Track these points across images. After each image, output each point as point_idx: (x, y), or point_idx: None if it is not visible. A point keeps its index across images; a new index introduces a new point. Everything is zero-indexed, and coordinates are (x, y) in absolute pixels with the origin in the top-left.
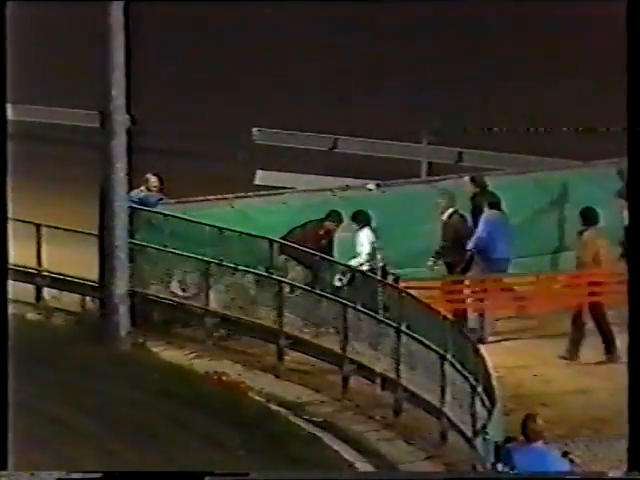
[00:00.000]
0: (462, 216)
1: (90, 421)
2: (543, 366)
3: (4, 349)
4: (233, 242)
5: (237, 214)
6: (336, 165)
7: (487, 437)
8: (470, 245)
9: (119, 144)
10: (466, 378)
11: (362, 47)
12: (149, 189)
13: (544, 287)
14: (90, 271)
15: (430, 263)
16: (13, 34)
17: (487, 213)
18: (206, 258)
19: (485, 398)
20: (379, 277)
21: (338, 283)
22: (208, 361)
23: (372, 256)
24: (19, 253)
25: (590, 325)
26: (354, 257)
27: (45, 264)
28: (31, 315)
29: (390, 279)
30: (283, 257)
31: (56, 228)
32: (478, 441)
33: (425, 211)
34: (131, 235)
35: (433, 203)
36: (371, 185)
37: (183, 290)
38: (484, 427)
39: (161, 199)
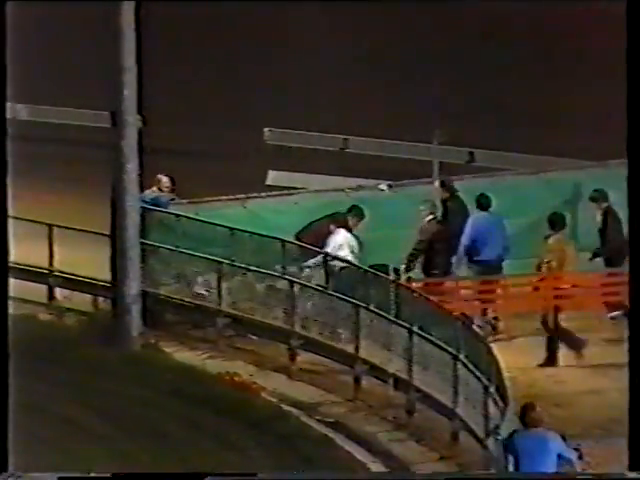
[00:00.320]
0: (441, 222)
1: (102, 421)
2: (556, 366)
3: (4, 349)
4: (245, 242)
5: (249, 214)
6: (347, 165)
7: (499, 438)
8: (460, 249)
9: (130, 144)
10: (479, 378)
11: (373, 47)
12: (161, 189)
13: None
14: (102, 271)
15: (402, 267)
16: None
17: (475, 215)
18: (218, 258)
19: (498, 398)
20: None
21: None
22: (221, 361)
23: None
24: (31, 253)
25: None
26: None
27: (57, 264)
28: (43, 315)
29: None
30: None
31: (68, 228)
32: (490, 442)
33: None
34: (143, 235)
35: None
36: (383, 185)
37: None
38: (496, 428)
39: (172, 199)
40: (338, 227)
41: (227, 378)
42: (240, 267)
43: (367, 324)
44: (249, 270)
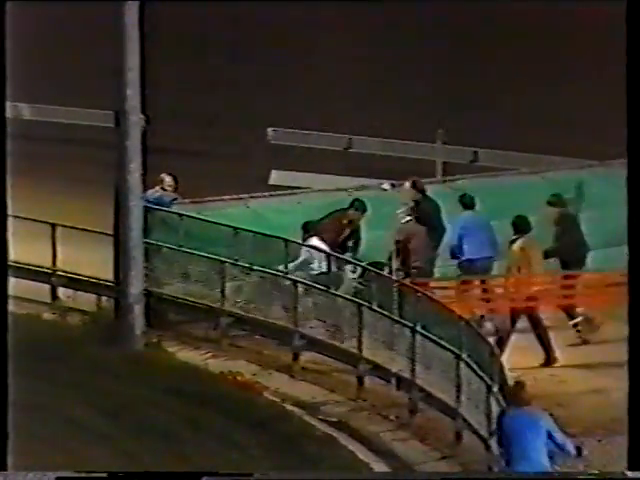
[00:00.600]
0: (416, 222)
1: (104, 420)
2: (558, 366)
3: (4, 349)
4: (248, 242)
5: (252, 214)
6: (351, 165)
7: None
8: (443, 248)
9: (134, 144)
10: (481, 378)
11: (377, 46)
12: (164, 189)
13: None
14: (105, 271)
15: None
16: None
17: (463, 214)
18: (221, 258)
19: (500, 398)
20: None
21: (351, 275)
22: (223, 361)
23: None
24: (34, 253)
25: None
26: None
27: (60, 264)
28: (47, 315)
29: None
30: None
31: (71, 228)
32: (493, 441)
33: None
34: (146, 235)
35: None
36: (386, 185)
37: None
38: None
39: (175, 199)
40: (310, 236)
41: (230, 377)
42: (243, 267)
43: (370, 323)
44: (252, 270)
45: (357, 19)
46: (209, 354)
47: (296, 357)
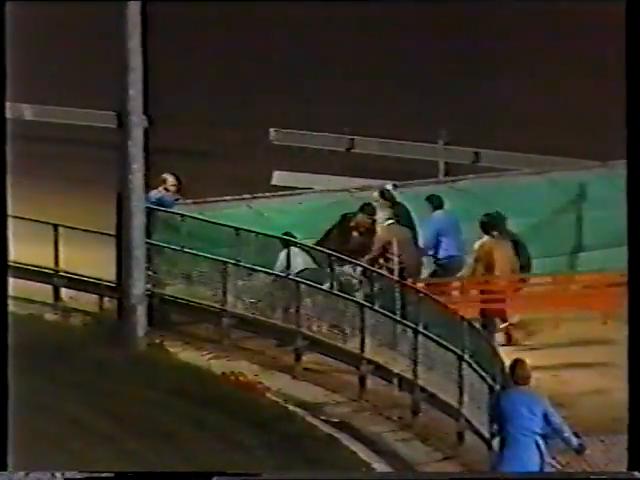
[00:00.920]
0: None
1: (107, 421)
2: (561, 366)
3: (4, 349)
4: (250, 242)
5: (254, 214)
6: (353, 165)
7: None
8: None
9: (136, 144)
10: (484, 378)
11: (378, 46)
12: (167, 189)
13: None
14: (107, 271)
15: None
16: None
17: (435, 214)
18: (223, 258)
19: None
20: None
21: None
22: (225, 361)
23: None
24: (37, 254)
25: None
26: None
27: (63, 264)
28: (49, 315)
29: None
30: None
31: (73, 228)
32: (495, 442)
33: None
34: (148, 235)
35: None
36: (388, 185)
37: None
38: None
39: (177, 199)
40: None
41: (232, 378)
42: (245, 267)
43: (372, 324)
44: (254, 270)
45: (358, 19)
46: (211, 354)
47: (298, 358)
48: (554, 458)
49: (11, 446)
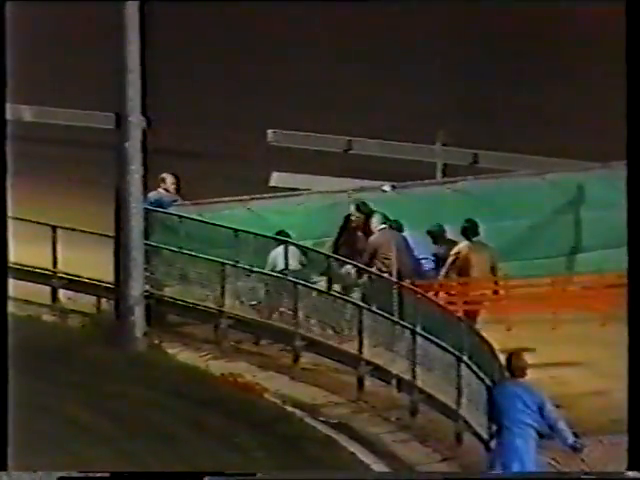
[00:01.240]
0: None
1: (105, 422)
2: (560, 367)
3: (4, 349)
4: (249, 244)
5: (252, 216)
6: (351, 167)
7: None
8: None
9: (134, 146)
10: (482, 379)
11: (377, 47)
12: (167, 189)
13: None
14: (105, 273)
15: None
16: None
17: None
18: (221, 259)
19: None
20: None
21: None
22: (224, 362)
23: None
24: (35, 255)
25: None
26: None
27: (61, 266)
28: (47, 316)
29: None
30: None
31: (72, 230)
32: (494, 443)
33: (440, 212)
34: (146, 237)
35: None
36: (386, 187)
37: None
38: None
39: (175, 200)
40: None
41: (230, 379)
42: (244, 268)
43: (370, 325)
44: (253, 271)
45: (357, 19)
46: (209, 356)
47: (296, 358)
48: (553, 458)
49: (11, 446)
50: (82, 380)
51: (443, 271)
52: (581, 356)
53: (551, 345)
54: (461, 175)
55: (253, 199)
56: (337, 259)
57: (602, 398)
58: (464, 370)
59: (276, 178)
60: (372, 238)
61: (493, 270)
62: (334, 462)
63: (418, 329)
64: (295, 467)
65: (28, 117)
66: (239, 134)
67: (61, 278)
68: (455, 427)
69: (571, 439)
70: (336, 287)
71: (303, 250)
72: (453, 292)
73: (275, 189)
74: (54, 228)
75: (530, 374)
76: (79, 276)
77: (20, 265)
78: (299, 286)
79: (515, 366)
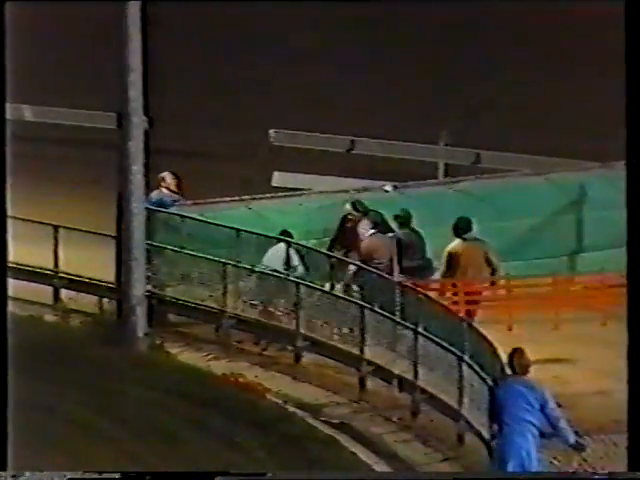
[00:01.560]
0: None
1: (107, 422)
2: (562, 367)
3: (4, 349)
4: (250, 244)
5: (254, 215)
6: (353, 166)
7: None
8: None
9: (136, 145)
10: (484, 379)
11: (378, 47)
12: (168, 188)
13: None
14: (107, 273)
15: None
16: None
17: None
18: (223, 259)
19: None
20: None
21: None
22: (226, 362)
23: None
24: (37, 255)
25: None
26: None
27: (62, 266)
28: (49, 316)
29: None
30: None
31: (73, 230)
32: (495, 443)
33: (442, 212)
34: (148, 236)
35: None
36: (388, 187)
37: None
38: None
39: (176, 200)
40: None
41: (232, 379)
42: (245, 268)
43: (372, 325)
44: (254, 271)
45: (358, 20)
46: (211, 356)
47: (298, 359)
48: (555, 458)
49: (11, 446)
50: (83, 380)
51: (440, 271)
52: (582, 355)
53: (552, 344)
54: (463, 175)
55: (254, 199)
56: (338, 259)
57: (603, 398)
58: (466, 370)
59: (278, 178)
60: (363, 245)
61: (488, 262)
62: (336, 462)
63: (420, 329)
64: (297, 467)
65: (29, 117)
66: (241, 134)
67: (63, 278)
68: (457, 427)
69: (573, 438)
70: (337, 287)
71: (303, 250)
72: (453, 291)
73: (277, 189)
74: (56, 228)
75: (532, 374)
76: (81, 276)
77: (22, 265)
78: (301, 286)
79: (517, 363)
